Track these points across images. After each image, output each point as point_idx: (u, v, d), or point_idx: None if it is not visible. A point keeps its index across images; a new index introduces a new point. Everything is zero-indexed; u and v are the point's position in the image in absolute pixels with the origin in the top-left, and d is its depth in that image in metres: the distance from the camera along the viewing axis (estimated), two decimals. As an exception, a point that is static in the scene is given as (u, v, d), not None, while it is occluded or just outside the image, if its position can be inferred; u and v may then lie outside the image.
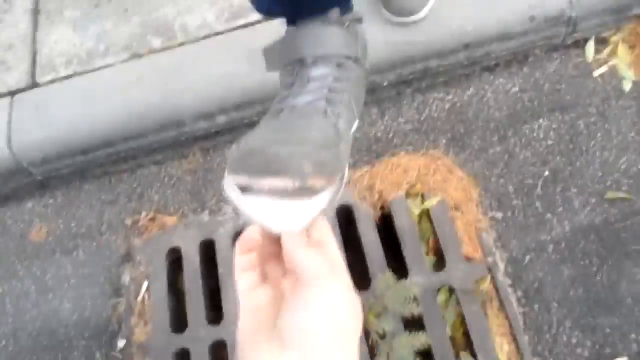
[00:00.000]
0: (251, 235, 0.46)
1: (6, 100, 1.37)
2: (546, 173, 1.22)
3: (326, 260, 0.43)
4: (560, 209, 1.18)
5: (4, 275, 1.34)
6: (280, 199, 0.51)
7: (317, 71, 0.72)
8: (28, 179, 1.39)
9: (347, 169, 0.62)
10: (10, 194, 1.43)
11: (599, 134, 1.23)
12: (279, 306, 0.43)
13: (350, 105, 0.73)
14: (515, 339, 1.08)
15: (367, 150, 1.29)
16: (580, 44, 1.31)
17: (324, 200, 0.53)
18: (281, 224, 0.48)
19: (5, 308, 1.30)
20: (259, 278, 0.46)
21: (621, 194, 1.17)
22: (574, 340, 1.06)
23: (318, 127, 0.64)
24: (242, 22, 1.32)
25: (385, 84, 1.29)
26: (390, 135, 1.30)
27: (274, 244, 0.47)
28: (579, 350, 1.05)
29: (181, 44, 1.33)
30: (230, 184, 0.54)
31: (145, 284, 1.27)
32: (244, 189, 0.53)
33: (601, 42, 1.31)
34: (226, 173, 0.56)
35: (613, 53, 1.30)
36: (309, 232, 0.48)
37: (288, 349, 0.39)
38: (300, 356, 0.38)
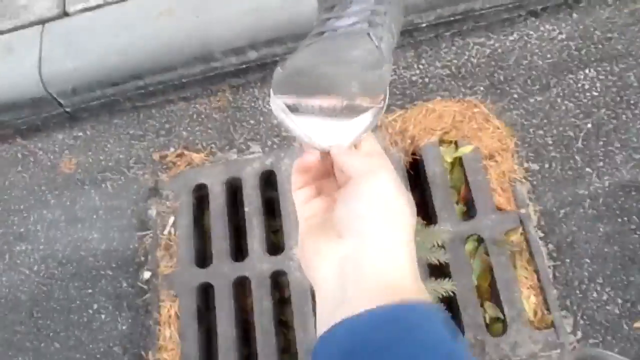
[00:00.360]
0: (307, 158, 0.49)
1: (37, 29, 1.36)
2: (589, 126, 1.16)
3: (374, 159, 0.46)
4: (601, 163, 1.13)
5: (35, 204, 1.36)
6: (327, 117, 0.54)
7: None
8: (57, 111, 1.39)
9: (388, 91, 0.62)
10: (40, 125, 1.44)
11: (650, 84, 1.16)
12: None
13: (391, 29, 0.70)
14: (543, 292, 1.06)
15: (402, 94, 1.24)
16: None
17: (368, 119, 0.55)
18: (329, 141, 0.51)
19: (37, 235, 1.33)
20: (314, 192, 0.49)
21: (668, 151, 1.11)
22: (604, 297, 1.04)
23: (362, 48, 0.62)
24: (277, -47, 1.26)
25: (423, 25, 1.23)
26: (426, 79, 1.25)
27: (327, 163, 0.50)
28: (609, 307, 1.03)
29: (214, -24, 1.28)
30: (277, 104, 0.55)
31: (171, 219, 1.27)
32: (291, 108, 0.55)
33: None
34: (272, 93, 0.57)
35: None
36: (357, 147, 0.50)
37: (346, 236, 0.41)
38: (358, 241, 0.40)
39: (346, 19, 0.67)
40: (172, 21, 1.25)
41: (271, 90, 0.58)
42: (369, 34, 0.65)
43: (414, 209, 0.43)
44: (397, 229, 0.41)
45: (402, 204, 0.42)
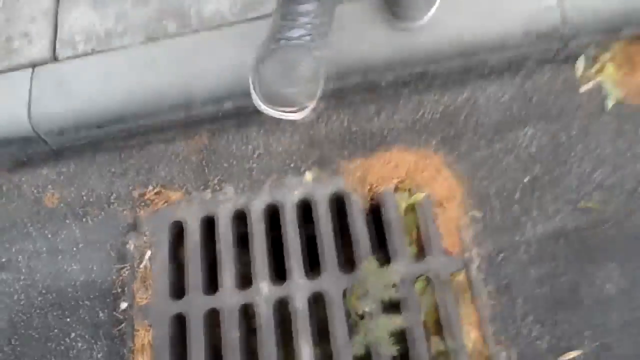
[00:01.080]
0: None
1: (27, 72, 1.45)
2: (526, 179, 1.31)
3: None
4: (535, 213, 1.28)
5: (18, 236, 1.44)
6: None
7: (303, 7, 1.05)
8: (44, 148, 1.48)
9: (323, 83, 1.12)
10: (26, 160, 1.52)
11: (578, 147, 1.32)
12: None
13: (327, 33, 1.09)
14: (482, 328, 1.19)
15: (362, 145, 1.38)
16: (571, 59, 1.39)
17: (310, 108, 1.11)
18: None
19: (18, 266, 1.41)
20: None
21: (592, 204, 1.26)
22: (534, 333, 1.17)
23: (307, 65, 1.06)
24: (253, 14, 1.39)
25: (383, 83, 1.37)
26: (385, 132, 1.39)
27: None
28: (538, 342, 1.16)
29: (195, 31, 1.41)
30: (257, 103, 1.12)
31: (148, 253, 1.37)
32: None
33: (591, 60, 1.39)
34: (255, 95, 1.12)
35: (601, 71, 1.38)
36: None
37: None
38: None
39: (295, 31, 1.06)
40: (155, 72, 1.36)
41: (255, 95, 1.13)
42: (309, 48, 1.06)
43: None
44: None
45: None
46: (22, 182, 1.51)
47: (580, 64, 1.39)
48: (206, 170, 1.43)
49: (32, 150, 1.49)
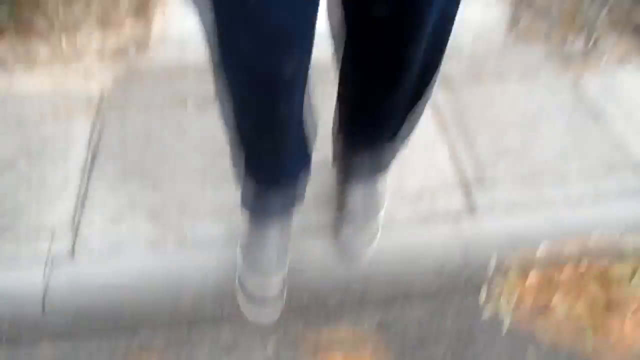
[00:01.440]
0: None
1: (47, 263, 1.79)
2: (440, 387, 1.65)
3: None
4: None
5: (8, 407, 1.66)
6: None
7: (270, 232, 1.52)
8: (44, 327, 1.77)
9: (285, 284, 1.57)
10: (25, 336, 1.79)
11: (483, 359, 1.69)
12: None
13: (287, 248, 1.57)
14: None
15: (312, 346, 1.71)
16: (476, 289, 1.82)
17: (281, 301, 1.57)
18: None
19: None
20: None
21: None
22: None
23: (276, 281, 1.53)
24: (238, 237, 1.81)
25: (331, 300, 1.76)
26: (331, 338, 1.74)
27: None
28: None
29: (188, 246, 1.80)
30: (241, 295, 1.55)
31: None
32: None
33: (491, 290, 1.82)
34: (240, 298, 1.59)
35: (498, 299, 1.80)
36: None
37: None
38: None
39: (266, 250, 1.50)
40: (152, 278, 1.73)
41: (240, 298, 1.59)
42: (279, 266, 1.53)
43: None
44: None
45: None
46: (20, 355, 1.77)
47: (483, 293, 1.81)
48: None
49: (33, 328, 1.77)
